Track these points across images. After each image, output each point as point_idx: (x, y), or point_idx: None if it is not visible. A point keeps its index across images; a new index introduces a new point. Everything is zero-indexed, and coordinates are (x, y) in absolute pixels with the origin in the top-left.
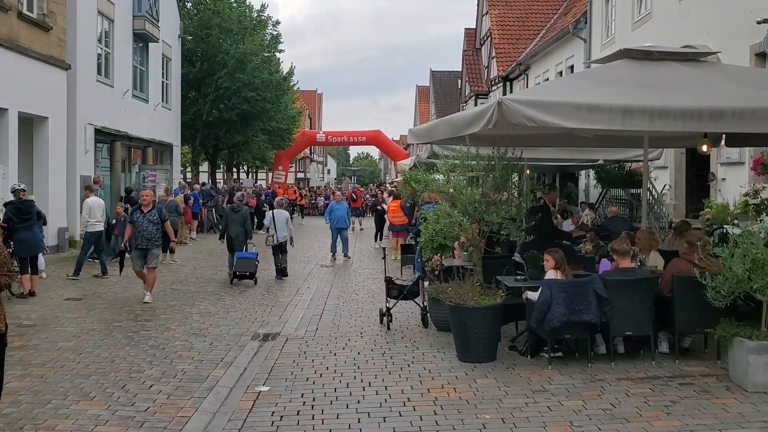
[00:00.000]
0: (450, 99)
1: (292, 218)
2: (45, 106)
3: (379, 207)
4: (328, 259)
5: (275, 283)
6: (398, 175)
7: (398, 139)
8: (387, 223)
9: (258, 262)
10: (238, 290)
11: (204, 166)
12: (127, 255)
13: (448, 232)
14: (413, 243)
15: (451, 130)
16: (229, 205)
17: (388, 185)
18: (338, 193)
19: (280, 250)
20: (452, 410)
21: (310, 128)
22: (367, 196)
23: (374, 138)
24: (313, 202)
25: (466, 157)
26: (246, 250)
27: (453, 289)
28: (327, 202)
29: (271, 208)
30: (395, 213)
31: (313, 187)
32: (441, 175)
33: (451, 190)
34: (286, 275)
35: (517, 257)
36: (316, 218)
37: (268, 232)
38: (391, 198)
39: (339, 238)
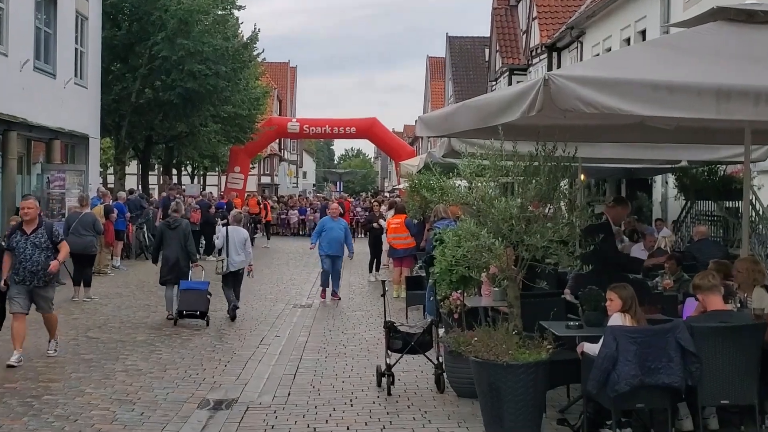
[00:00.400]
0: (474, 75)
1: (253, 239)
2: None
3: (374, 224)
4: (304, 297)
5: (231, 327)
6: (402, 180)
7: (402, 130)
8: (386, 247)
9: (210, 294)
10: (180, 338)
11: (132, 167)
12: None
13: (472, 260)
14: (423, 275)
15: (477, 119)
16: (164, 220)
17: (387, 194)
18: (335, 204)
19: (233, 281)
20: None
21: (280, 115)
22: (358, 209)
23: (368, 129)
24: (283, 217)
25: (499, 156)
26: (191, 279)
27: (480, 339)
28: (303, 217)
29: (226, 223)
30: (398, 233)
31: (283, 197)
32: (463, 181)
33: (479, 201)
34: (234, 317)
35: (568, 295)
36: (287, 240)
37: (219, 255)
38: (391, 212)
39: (331, 270)
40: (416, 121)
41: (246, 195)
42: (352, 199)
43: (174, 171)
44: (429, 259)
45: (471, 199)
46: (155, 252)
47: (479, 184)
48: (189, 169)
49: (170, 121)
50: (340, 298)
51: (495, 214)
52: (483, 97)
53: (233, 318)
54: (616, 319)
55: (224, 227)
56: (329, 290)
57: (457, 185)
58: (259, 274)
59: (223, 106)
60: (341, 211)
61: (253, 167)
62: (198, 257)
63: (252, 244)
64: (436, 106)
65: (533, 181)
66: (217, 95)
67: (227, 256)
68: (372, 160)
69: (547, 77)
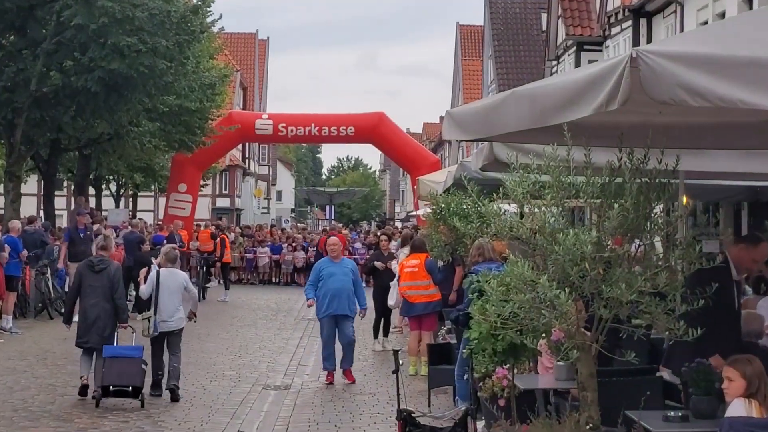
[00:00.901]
0: (525, 52)
1: (204, 290)
2: None
3: (380, 266)
4: (280, 375)
5: (173, 413)
6: (421, 203)
7: (420, 131)
8: (398, 300)
9: (146, 364)
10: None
11: (31, 184)
12: None
13: (526, 321)
14: (453, 342)
15: (532, 115)
16: (85, 260)
17: (398, 224)
18: (334, 239)
19: (168, 345)
20: None
21: (245, 108)
22: (357, 245)
23: (372, 129)
24: (248, 257)
25: (565, 169)
26: (117, 343)
27: None
28: (277, 257)
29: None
30: (415, 280)
31: (248, 228)
32: (512, 205)
33: (535, 234)
34: (177, 396)
35: (666, 372)
36: (255, 291)
37: (147, 309)
38: (406, 250)
39: (337, 338)
40: (443, 118)
41: (195, 225)
42: (347, 231)
43: (91, 190)
44: (462, 318)
45: (523, 232)
46: (69, 305)
47: (536, 210)
48: (113, 187)
49: (86, 118)
50: (354, 381)
51: (560, 253)
52: (540, 83)
53: (175, 397)
54: (738, 408)
55: (154, 270)
56: (337, 368)
57: (502, 211)
58: (214, 341)
59: (162, 96)
60: (342, 247)
61: (206, 185)
62: (128, 314)
63: (202, 297)
64: (470, 96)
65: (615, 206)
66: (153, 81)
67: (155, 311)
68: (377, 173)
69: (634, 54)
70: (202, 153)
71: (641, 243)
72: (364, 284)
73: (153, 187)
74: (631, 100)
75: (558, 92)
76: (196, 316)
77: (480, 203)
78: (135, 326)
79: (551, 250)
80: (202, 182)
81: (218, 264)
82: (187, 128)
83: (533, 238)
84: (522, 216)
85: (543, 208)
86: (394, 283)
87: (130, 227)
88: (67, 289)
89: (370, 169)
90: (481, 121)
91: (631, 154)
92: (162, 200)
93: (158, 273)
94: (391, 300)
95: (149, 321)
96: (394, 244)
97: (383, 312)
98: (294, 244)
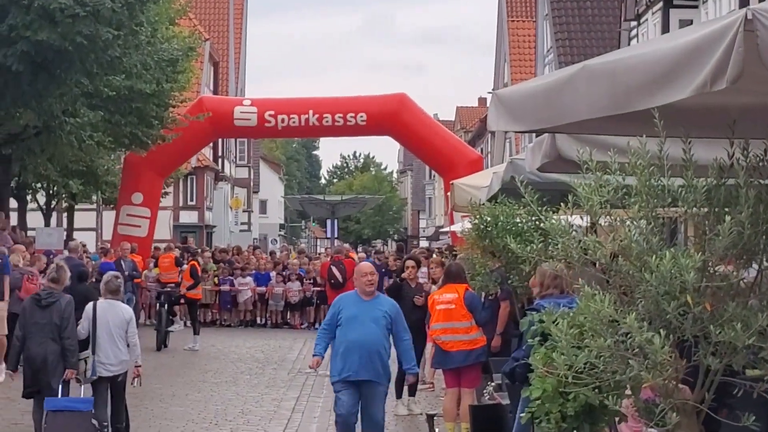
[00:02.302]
0: (594, 9)
1: (167, 334)
2: None
3: (420, 300)
4: None
5: None
6: (457, 215)
7: (453, 118)
8: (429, 348)
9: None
10: None
11: None
12: None
13: (606, 374)
14: (504, 402)
15: (612, 97)
16: (32, 295)
17: (423, 243)
18: (367, 265)
19: (112, 393)
20: None
21: (216, 92)
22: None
23: (390, 117)
24: (224, 289)
25: (657, 167)
26: (68, 392)
27: None
28: (264, 289)
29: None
30: (451, 320)
31: (224, 251)
32: (582, 217)
33: (616, 257)
34: None
35: None
36: (234, 334)
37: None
38: (438, 280)
39: (360, 419)
40: (482, 100)
41: (154, 248)
42: (355, 255)
43: (13, 202)
44: (520, 371)
45: (600, 255)
46: (17, 349)
47: (617, 223)
48: (41, 198)
49: (5, 106)
50: None
51: (651, 282)
52: (620, 54)
53: None
54: None
55: (91, 303)
56: None
57: (571, 225)
58: (181, 403)
59: (106, 76)
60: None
61: (166, 194)
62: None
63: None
64: (520, 70)
65: (726, 218)
66: (95, 56)
67: (93, 351)
68: (394, 176)
69: (750, 15)
70: (162, 152)
71: (761, 268)
72: None
73: (95, 197)
74: (746, 75)
75: (646, 67)
76: (140, 376)
77: (541, 215)
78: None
79: (640, 279)
80: (163, 190)
81: (184, 300)
82: (141, 119)
83: (615, 263)
84: (596, 232)
85: (628, 222)
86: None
87: (67, 252)
88: None
89: (385, 169)
90: (541, 106)
91: (746, 149)
92: (108, 215)
93: (95, 306)
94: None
95: (86, 362)
96: (423, 272)
97: None
98: (286, 273)
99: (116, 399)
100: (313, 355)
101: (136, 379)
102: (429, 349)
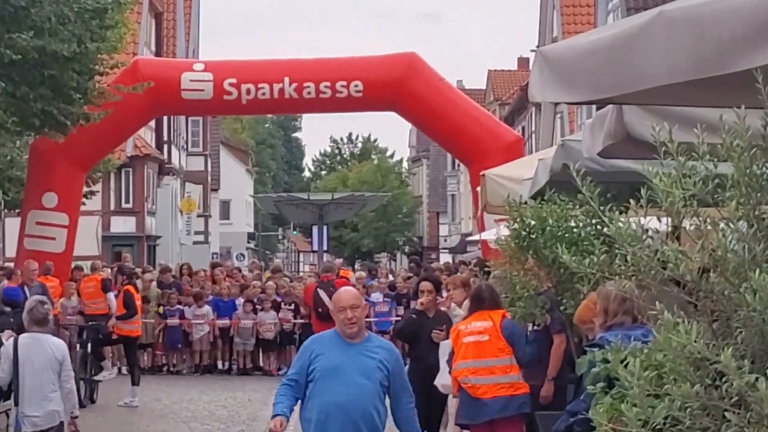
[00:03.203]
0: None
1: (94, 385)
2: None
3: (438, 337)
4: None
5: None
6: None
7: (483, 87)
8: (452, 403)
9: None
10: None
11: None
12: None
13: (693, 431)
14: None
15: (699, 55)
16: None
17: (445, 259)
18: (351, 293)
19: None
20: None
21: (159, 52)
22: (376, 294)
23: (395, 85)
24: (172, 323)
25: (761, 150)
26: None
27: None
28: (227, 322)
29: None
30: (484, 358)
31: (168, 270)
32: (660, 218)
33: (705, 273)
34: None
35: None
36: (187, 383)
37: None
38: (462, 306)
39: None
40: (524, 61)
41: (74, 268)
42: (353, 272)
43: None
44: (579, 428)
45: (684, 270)
46: None
47: (707, 227)
48: None
49: None
50: None
51: (755, 306)
52: None
53: None
54: None
55: (11, 339)
56: None
57: (645, 231)
58: None
59: (9, 33)
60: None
61: (92, 194)
62: None
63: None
64: (575, 22)
65: None
66: None
67: (16, 400)
68: (404, 166)
69: None
70: (85, 136)
71: None
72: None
73: None
74: None
75: (745, 12)
76: (76, 427)
77: (605, 217)
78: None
79: (739, 302)
80: (85, 189)
81: (117, 338)
82: (57, 91)
83: (705, 281)
84: (677, 238)
85: (722, 224)
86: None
87: None
88: None
89: (392, 157)
90: (603, 69)
91: None
92: (13, 223)
93: (16, 342)
94: (443, 378)
95: (7, 415)
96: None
97: (424, 417)
98: (258, 300)
99: None
100: (273, 415)
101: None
102: (452, 403)
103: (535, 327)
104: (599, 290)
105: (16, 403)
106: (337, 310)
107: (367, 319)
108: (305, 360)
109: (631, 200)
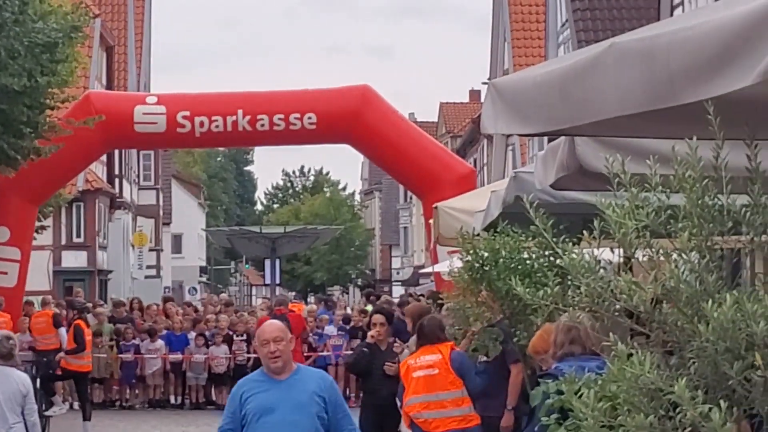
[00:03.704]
0: None
1: (46, 414)
2: None
3: (391, 370)
4: None
5: None
6: (440, 250)
7: (436, 120)
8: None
9: None
10: None
11: None
12: None
13: None
14: None
15: (651, 85)
16: None
17: (398, 291)
18: (275, 325)
19: None
20: None
21: (110, 86)
22: (330, 328)
23: (348, 117)
24: (126, 358)
25: (712, 180)
26: None
27: None
28: (179, 356)
29: None
30: (435, 391)
31: (121, 304)
32: (613, 249)
33: (658, 304)
34: None
35: None
36: (139, 420)
37: None
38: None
39: None
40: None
41: (25, 303)
42: (309, 305)
43: None
44: None
45: (637, 300)
46: None
47: (660, 258)
48: None
49: None
50: None
51: (708, 336)
52: (660, 28)
53: None
54: None
55: None
56: None
57: (597, 262)
58: None
59: None
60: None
61: (43, 228)
62: None
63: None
64: (526, 52)
65: None
66: None
67: None
68: (357, 199)
69: None
70: (36, 170)
71: None
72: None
73: None
74: None
75: (696, 45)
76: None
77: (558, 248)
78: None
79: (692, 333)
80: (37, 224)
81: (65, 373)
82: (7, 125)
83: (657, 312)
84: (629, 267)
85: (674, 255)
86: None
87: None
88: None
89: (344, 190)
90: (555, 101)
91: None
92: None
93: None
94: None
95: None
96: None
97: None
98: (210, 333)
99: None
100: None
101: None
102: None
103: (485, 358)
104: (560, 323)
105: None
106: (260, 343)
107: (323, 354)
108: (236, 405)
109: (584, 231)
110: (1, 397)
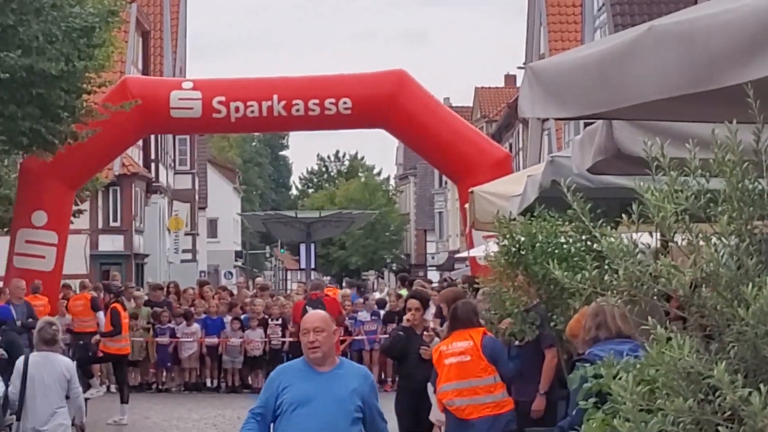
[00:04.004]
0: None
1: (84, 397)
2: None
3: (427, 353)
4: None
5: None
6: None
7: (471, 104)
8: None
9: None
10: None
11: None
12: None
13: None
14: None
15: (690, 69)
16: None
17: (434, 275)
18: (319, 316)
19: None
20: None
21: (146, 71)
22: (363, 313)
23: (383, 102)
24: (162, 341)
25: (753, 164)
26: None
27: None
28: (216, 340)
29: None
30: (468, 378)
31: (158, 288)
32: (651, 233)
33: (697, 288)
34: None
35: None
36: (176, 402)
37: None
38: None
39: None
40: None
41: (63, 287)
42: (341, 290)
43: None
44: None
45: (676, 284)
46: None
47: (699, 242)
48: None
49: None
50: None
51: (748, 321)
52: (700, 10)
53: None
54: None
55: (21, 357)
56: None
57: (636, 246)
58: None
59: None
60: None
61: (81, 213)
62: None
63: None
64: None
65: None
66: None
67: (18, 415)
68: (392, 184)
69: None
70: (74, 155)
71: None
72: (380, 387)
73: None
74: None
75: (736, 27)
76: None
77: (596, 232)
78: None
79: (732, 317)
80: (74, 208)
81: (105, 356)
82: (45, 109)
83: (696, 296)
84: (667, 252)
85: (714, 239)
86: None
87: None
88: None
89: (379, 175)
90: (593, 84)
91: None
92: (2, 242)
93: (27, 360)
94: (435, 413)
95: (10, 429)
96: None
97: (414, 426)
98: (245, 317)
99: None
100: None
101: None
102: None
103: (518, 343)
104: (589, 308)
105: (18, 418)
106: (301, 332)
107: (357, 338)
108: (272, 393)
109: (622, 216)
110: (46, 382)
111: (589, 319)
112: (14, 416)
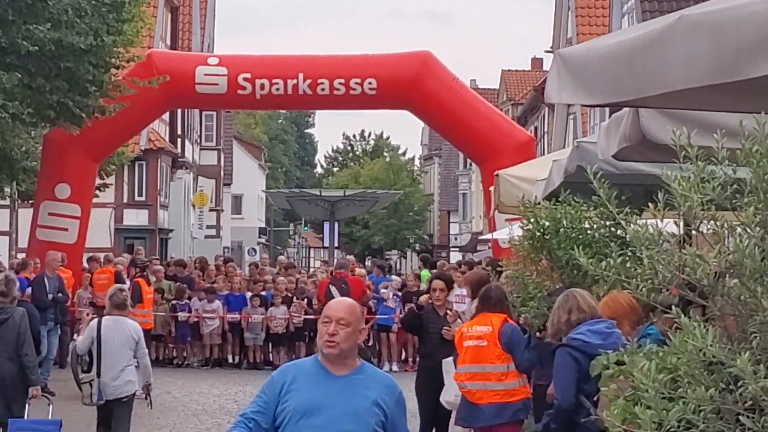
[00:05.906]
0: None
1: None
2: None
3: (449, 334)
4: None
5: None
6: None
7: (497, 86)
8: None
9: None
10: None
11: None
12: None
13: None
14: None
15: (718, 59)
16: None
17: (456, 257)
18: (347, 305)
19: (114, 419)
20: None
21: (174, 46)
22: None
23: (408, 83)
24: (183, 316)
25: None
26: (28, 415)
27: None
28: (237, 316)
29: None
30: (482, 362)
31: (181, 263)
32: (676, 222)
33: (721, 278)
34: None
35: None
36: (197, 378)
37: (86, 371)
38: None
39: None
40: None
41: (87, 261)
42: (364, 270)
43: None
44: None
45: (701, 274)
46: None
47: (724, 231)
48: None
49: None
50: None
51: None
52: (729, 0)
53: None
54: None
55: (95, 319)
56: None
57: (660, 234)
58: None
59: (26, 25)
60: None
61: (106, 186)
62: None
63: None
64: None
65: None
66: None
67: (98, 372)
68: (416, 164)
69: None
70: (99, 128)
71: None
72: (402, 365)
73: (9, 190)
74: None
75: (764, 19)
76: (150, 396)
77: (621, 219)
78: (59, 389)
79: (755, 307)
80: (98, 181)
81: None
82: (73, 83)
83: (720, 285)
84: (696, 244)
85: (739, 229)
86: (448, 366)
87: None
88: None
89: (404, 155)
90: (621, 72)
91: None
92: (26, 214)
93: (99, 323)
94: (448, 394)
95: (91, 385)
96: (459, 293)
97: (432, 417)
98: (267, 294)
99: (120, 422)
100: None
101: (148, 397)
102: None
103: (539, 331)
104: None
105: (98, 375)
106: (321, 320)
107: (382, 316)
108: (273, 395)
109: (648, 203)
110: (116, 343)
111: (560, 308)
112: (95, 373)
